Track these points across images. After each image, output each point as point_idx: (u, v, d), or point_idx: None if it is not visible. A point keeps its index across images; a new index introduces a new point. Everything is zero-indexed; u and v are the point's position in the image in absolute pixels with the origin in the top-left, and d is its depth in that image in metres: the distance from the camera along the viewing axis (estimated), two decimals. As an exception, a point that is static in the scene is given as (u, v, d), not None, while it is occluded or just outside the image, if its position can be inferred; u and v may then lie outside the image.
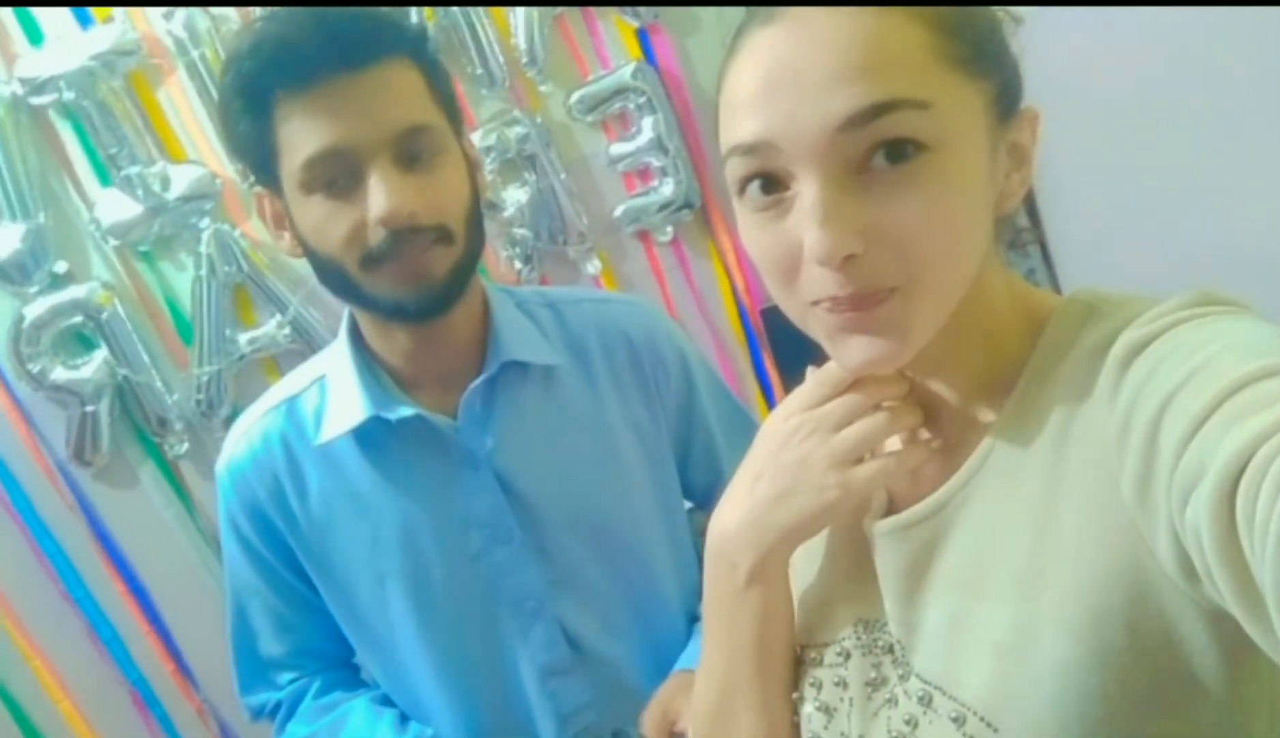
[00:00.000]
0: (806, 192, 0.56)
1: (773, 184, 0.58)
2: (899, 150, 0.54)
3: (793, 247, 0.57)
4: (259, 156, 0.99)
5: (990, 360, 0.64)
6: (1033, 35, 0.63)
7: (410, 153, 0.97)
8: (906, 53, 0.55)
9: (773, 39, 0.57)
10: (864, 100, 0.53)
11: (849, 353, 0.60)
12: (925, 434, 0.67)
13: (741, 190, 0.60)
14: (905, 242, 0.55)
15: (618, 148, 2.15)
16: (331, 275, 1.00)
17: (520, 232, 2.13)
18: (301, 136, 0.94)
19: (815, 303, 0.59)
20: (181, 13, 1.92)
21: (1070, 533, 0.56)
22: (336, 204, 0.95)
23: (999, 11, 0.61)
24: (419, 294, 0.99)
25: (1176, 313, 0.54)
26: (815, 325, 0.61)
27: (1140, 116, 1.43)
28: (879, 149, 0.55)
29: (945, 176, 0.55)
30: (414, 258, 0.97)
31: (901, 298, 0.57)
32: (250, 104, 0.96)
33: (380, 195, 0.93)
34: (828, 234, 0.54)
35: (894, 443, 0.70)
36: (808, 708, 0.71)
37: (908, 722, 0.63)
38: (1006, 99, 0.60)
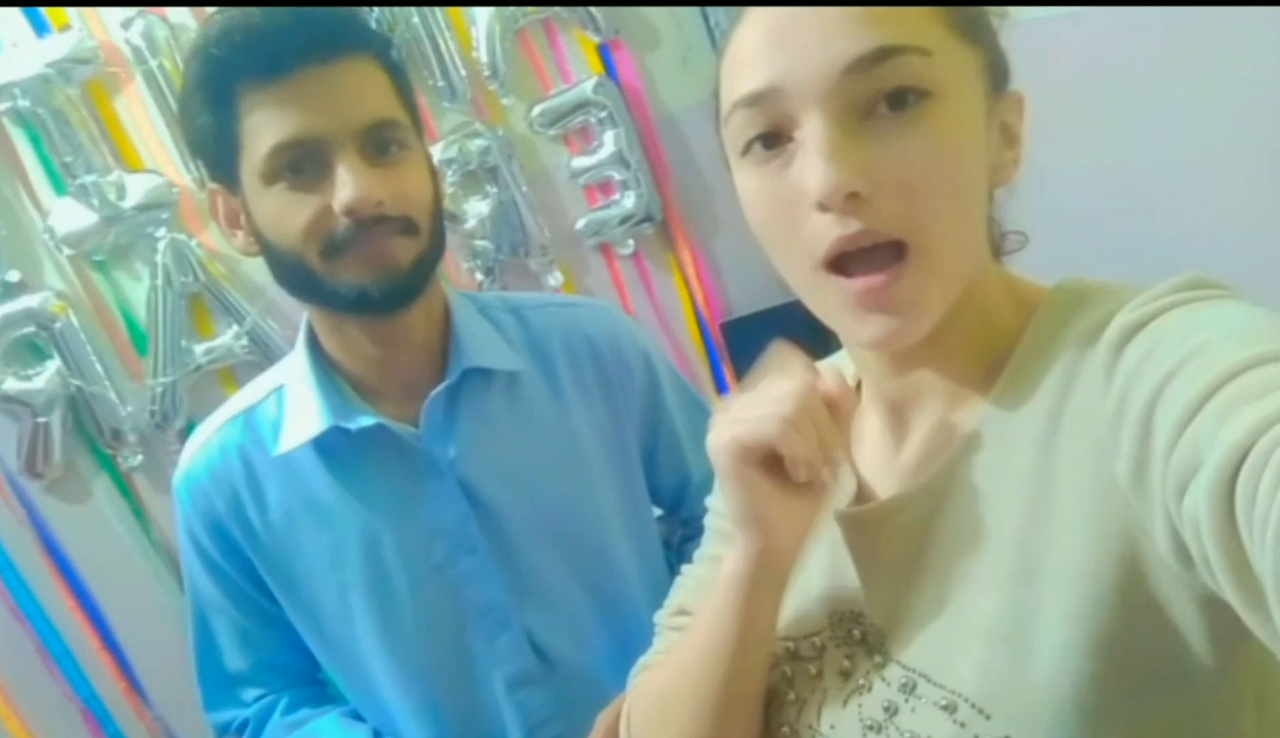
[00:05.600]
0: (811, 133, 0.56)
1: (775, 140, 0.59)
2: (901, 97, 0.55)
3: (796, 195, 0.58)
4: (219, 150, 0.97)
5: (979, 345, 0.64)
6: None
7: (378, 145, 0.97)
8: (908, 10, 0.57)
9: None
10: (870, 44, 0.55)
11: (865, 329, 0.59)
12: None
13: (745, 150, 0.60)
14: (909, 186, 0.56)
15: (579, 161, 2.17)
16: (290, 270, 0.99)
17: (482, 244, 2.14)
18: (268, 126, 0.93)
19: (827, 268, 0.58)
20: (140, 21, 1.91)
21: (1064, 518, 0.56)
22: (299, 194, 0.95)
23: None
24: (382, 282, 0.98)
25: (1169, 297, 0.54)
26: (827, 297, 0.60)
27: (1099, 117, 1.45)
28: (882, 97, 0.56)
29: (946, 124, 0.56)
30: (378, 245, 0.96)
31: (914, 270, 0.57)
32: (214, 94, 0.95)
33: (348, 184, 0.93)
34: (831, 170, 0.55)
35: (870, 445, 0.71)
36: (779, 701, 0.71)
37: (886, 708, 0.62)
38: (997, 72, 0.62)
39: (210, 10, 1.87)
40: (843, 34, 0.55)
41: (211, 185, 1.03)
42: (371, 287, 0.98)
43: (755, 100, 0.58)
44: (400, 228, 0.98)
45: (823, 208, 0.56)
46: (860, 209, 0.56)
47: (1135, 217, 1.43)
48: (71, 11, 1.91)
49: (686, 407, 1.24)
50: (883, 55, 0.55)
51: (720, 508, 0.83)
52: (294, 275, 1.00)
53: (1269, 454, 0.41)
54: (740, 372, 2.26)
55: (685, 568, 0.87)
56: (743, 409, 0.65)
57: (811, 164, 0.56)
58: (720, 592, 0.68)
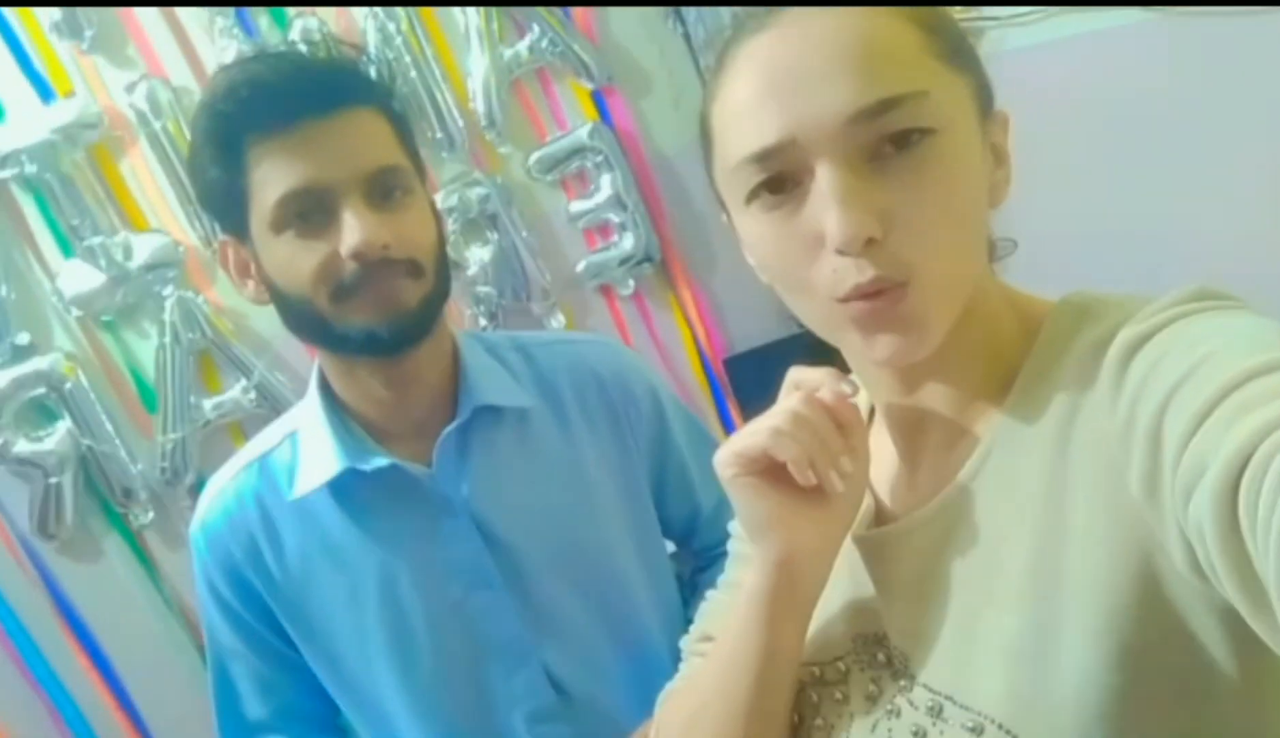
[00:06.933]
0: (825, 180, 0.56)
1: (779, 185, 0.59)
2: (905, 137, 0.56)
3: (811, 239, 0.58)
4: (229, 202, 1.00)
5: (986, 363, 0.64)
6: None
7: (382, 191, 0.99)
8: (900, 48, 0.57)
9: (769, 44, 0.59)
10: (871, 97, 0.55)
11: (876, 348, 0.60)
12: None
13: (751, 197, 0.61)
14: (921, 225, 0.56)
15: (577, 205, 2.20)
16: (301, 316, 1.01)
17: (484, 290, 2.16)
18: (275, 176, 0.96)
19: (842, 300, 0.59)
20: (144, 85, 1.95)
21: (1080, 534, 0.55)
22: (307, 241, 0.97)
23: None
24: (391, 323, 1.00)
25: (1174, 308, 0.55)
26: (841, 323, 0.60)
27: (1092, 132, 1.47)
28: (887, 138, 0.56)
29: (950, 157, 0.57)
30: (385, 287, 0.98)
31: (914, 293, 0.57)
32: (223, 148, 0.98)
33: (354, 229, 0.95)
34: (850, 217, 0.55)
35: (884, 467, 0.71)
36: (806, 726, 0.71)
37: (914, 733, 0.62)
38: (984, 96, 0.62)
39: (213, 70, 1.94)
40: (844, 81, 0.56)
41: (221, 237, 1.05)
42: (380, 328, 0.99)
43: (769, 154, 0.58)
44: (406, 270, 1.00)
45: (841, 252, 0.57)
46: (875, 252, 0.56)
47: (1136, 234, 1.45)
48: (75, 77, 1.95)
49: (693, 438, 1.25)
50: (885, 107, 0.55)
51: (740, 531, 0.84)
52: (304, 320, 1.01)
53: (1271, 459, 0.41)
54: (745, 406, 2.27)
55: (709, 594, 0.88)
56: (747, 427, 0.67)
57: (829, 212, 0.56)
58: (742, 610, 0.69)
